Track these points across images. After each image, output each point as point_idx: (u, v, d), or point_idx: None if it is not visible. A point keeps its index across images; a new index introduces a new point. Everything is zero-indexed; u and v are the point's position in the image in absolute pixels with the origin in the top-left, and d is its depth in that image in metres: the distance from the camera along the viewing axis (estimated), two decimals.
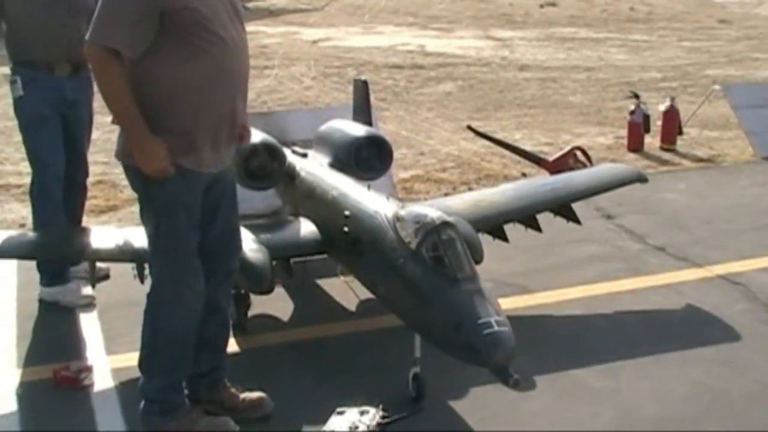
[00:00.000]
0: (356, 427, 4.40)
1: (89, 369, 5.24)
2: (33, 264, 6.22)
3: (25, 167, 9.58)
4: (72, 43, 6.03)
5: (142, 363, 4.60)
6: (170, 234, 4.35)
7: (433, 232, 4.50)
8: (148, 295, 4.54)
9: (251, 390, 4.80)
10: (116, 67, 4.10)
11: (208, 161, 4.32)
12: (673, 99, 11.13)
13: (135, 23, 4.07)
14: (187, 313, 4.45)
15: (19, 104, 6.05)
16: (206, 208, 4.44)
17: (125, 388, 5.11)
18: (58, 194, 6.06)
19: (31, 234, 6.04)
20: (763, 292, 6.40)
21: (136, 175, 4.31)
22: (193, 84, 4.18)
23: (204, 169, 4.32)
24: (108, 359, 5.47)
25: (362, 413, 4.48)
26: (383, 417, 4.48)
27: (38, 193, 6.10)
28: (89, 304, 6.18)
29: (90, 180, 6.75)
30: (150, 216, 4.40)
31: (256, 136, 5.97)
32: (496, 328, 4.15)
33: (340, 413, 4.49)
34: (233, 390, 4.77)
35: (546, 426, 4.71)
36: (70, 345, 5.70)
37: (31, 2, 5.93)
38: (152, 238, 4.43)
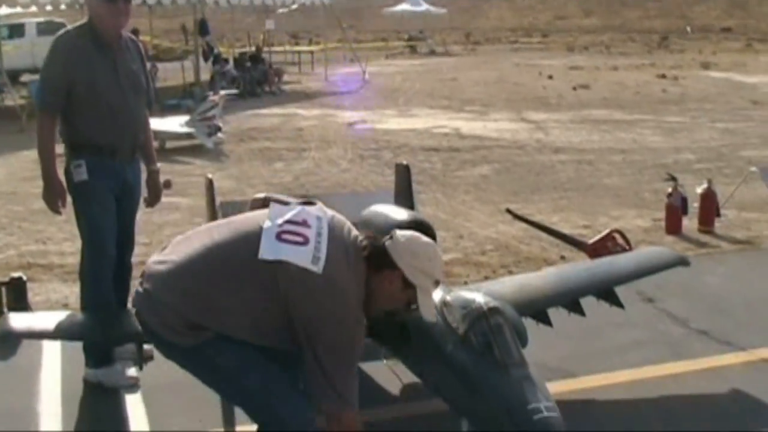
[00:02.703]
0: None
1: None
2: (78, 344, 6.27)
3: (68, 247, 9.77)
4: (136, 127, 6.20)
5: None
6: None
7: (482, 317, 4.53)
8: None
9: None
10: None
11: None
12: (710, 181, 11.13)
13: None
14: None
15: (81, 188, 6.11)
16: None
17: None
18: (111, 277, 6.14)
19: (80, 315, 6.09)
20: None
21: None
22: None
23: None
24: None
25: None
26: None
27: (91, 275, 6.17)
28: (134, 386, 6.21)
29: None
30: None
31: None
32: (545, 413, 4.15)
33: None
34: None
35: None
36: (116, 427, 5.73)
37: (100, 87, 6.00)
38: None
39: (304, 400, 4.13)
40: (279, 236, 4.04)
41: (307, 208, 4.24)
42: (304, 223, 4.11)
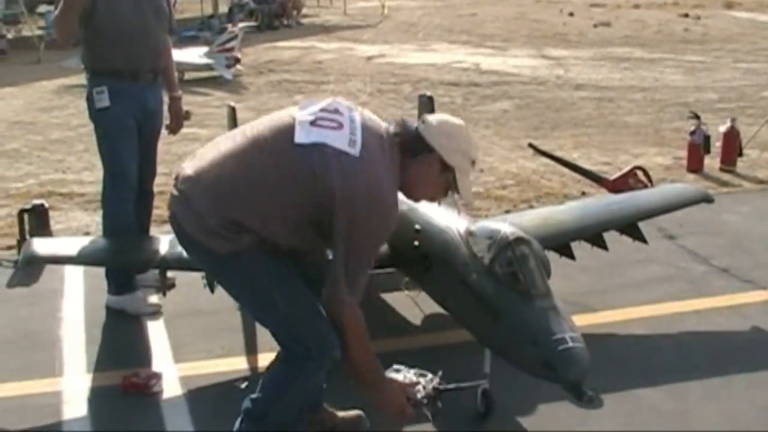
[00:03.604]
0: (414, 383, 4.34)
1: (158, 376, 5.29)
2: (100, 271, 6.29)
3: (87, 176, 9.78)
4: (157, 50, 6.18)
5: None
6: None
7: (507, 247, 4.50)
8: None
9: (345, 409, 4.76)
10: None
11: None
12: (734, 120, 11.03)
13: None
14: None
15: (103, 114, 6.07)
16: None
17: (193, 396, 5.17)
18: (132, 203, 6.13)
19: (101, 241, 6.09)
20: None
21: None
22: None
23: None
24: (176, 367, 5.52)
25: (420, 375, 4.41)
26: (440, 383, 4.41)
27: (113, 202, 6.16)
28: (156, 313, 6.24)
29: None
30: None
31: None
32: (571, 344, 4.14)
33: (397, 371, 4.39)
34: (330, 410, 4.70)
35: None
36: (139, 353, 5.76)
37: (121, 11, 5.96)
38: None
39: (330, 325, 4.07)
40: (313, 123, 3.96)
41: (339, 98, 4.18)
42: (336, 111, 4.03)
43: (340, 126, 3.96)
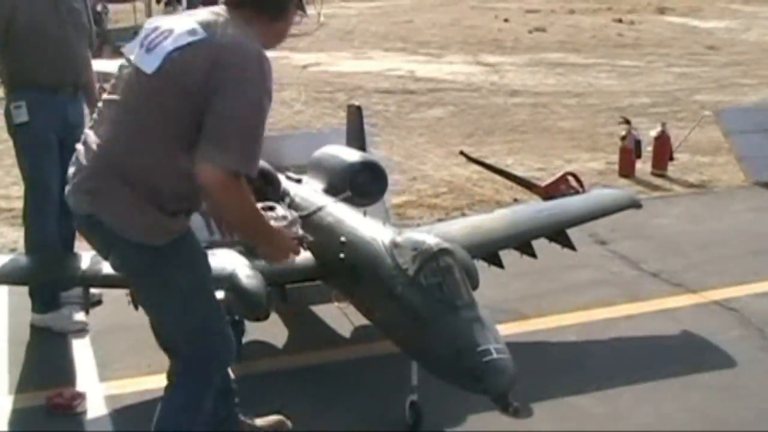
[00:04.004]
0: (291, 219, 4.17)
1: (82, 396, 5.20)
2: (24, 289, 6.17)
3: (15, 191, 9.58)
4: (77, 64, 6.08)
5: None
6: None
7: (431, 258, 4.48)
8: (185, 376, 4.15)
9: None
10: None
11: None
12: (664, 125, 11.12)
13: None
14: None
15: (22, 129, 5.96)
16: None
17: (119, 415, 5.08)
18: (55, 219, 6.01)
19: (24, 259, 5.98)
20: (757, 318, 6.41)
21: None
22: None
23: None
24: (101, 386, 5.42)
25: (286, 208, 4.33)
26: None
27: (35, 218, 6.05)
28: (81, 330, 6.13)
29: None
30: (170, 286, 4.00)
31: None
32: (495, 355, 4.12)
33: (271, 208, 4.19)
34: (249, 421, 4.67)
35: None
36: (63, 371, 5.65)
37: (41, 24, 5.86)
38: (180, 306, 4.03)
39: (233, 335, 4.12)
40: (149, 50, 3.76)
41: (154, 19, 4.01)
42: (157, 28, 3.81)
43: (171, 31, 3.76)
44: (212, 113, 3.62)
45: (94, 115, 4.10)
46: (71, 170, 3.98)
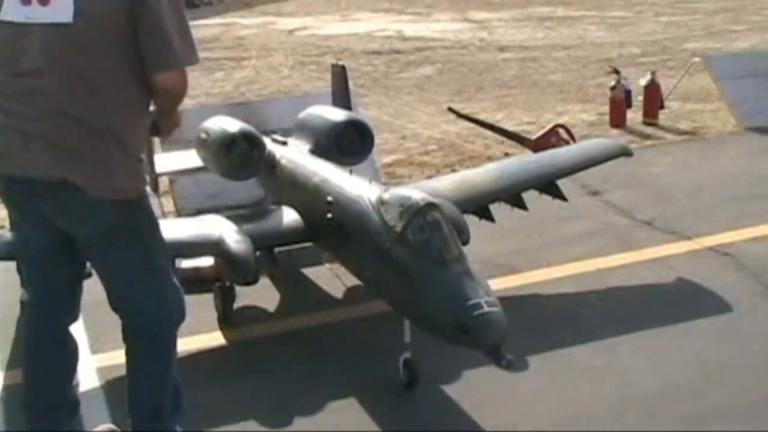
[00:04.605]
0: None
1: None
2: (12, 265, 6.09)
3: None
4: None
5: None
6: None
7: (418, 214, 4.41)
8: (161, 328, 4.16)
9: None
10: None
11: None
12: (653, 73, 11.05)
13: None
14: None
15: None
16: None
17: (110, 387, 5.02)
18: None
19: (8, 234, 5.90)
20: (752, 263, 6.36)
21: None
22: None
23: None
24: (93, 358, 5.36)
25: None
26: None
27: None
28: None
29: None
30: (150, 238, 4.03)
31: (235, 125, 5.88)
32: (486, 308, 4.06)
33: None
34: None
35: (545, 405, 4.63)
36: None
37: None
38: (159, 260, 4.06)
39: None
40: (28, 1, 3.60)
41: None
42: None
43: None
44: (144, 26, 3.59)
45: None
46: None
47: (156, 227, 4.04)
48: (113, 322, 5.69)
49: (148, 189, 4.12)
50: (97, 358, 5.36)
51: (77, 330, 5.67)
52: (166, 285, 4.05)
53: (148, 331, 4.13)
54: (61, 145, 3.66)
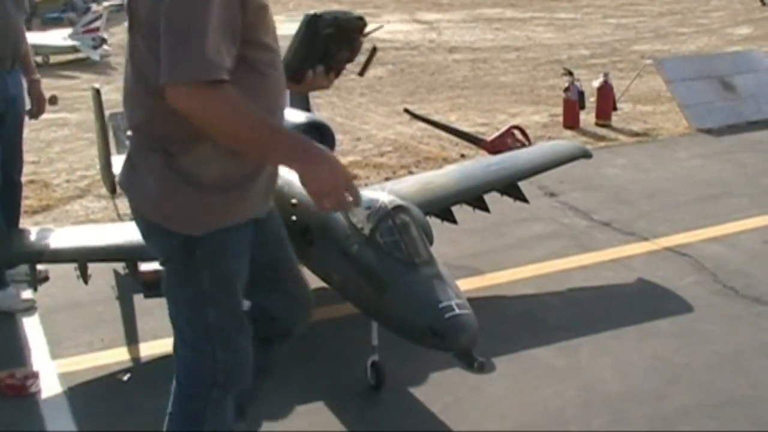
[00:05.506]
0: None
1: (35, 375, 5.04)
2: None
3: None
4: (16, 37, 5.92)
5: None
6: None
7: (387, 216, 4.40)
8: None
9: None
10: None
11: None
12: (606, 75, 11.13)
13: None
14: None
15: None
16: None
17: (74, 393, 4.94)
18: None
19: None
20: (710, 263, 6.42)
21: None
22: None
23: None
24: (54, 364, 5.27)
25: None
26: None
27: None
28: (30, 308, 5.97)
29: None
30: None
31: None
32: (458, 311, 4.06)
33: None
34: None
35: (511, 407, 4.64)
36: (14, 352, 5.48)
37: None
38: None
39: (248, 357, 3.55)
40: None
41: None
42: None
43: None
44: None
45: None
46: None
47: (221, 278, 3.39)
48: (73, 327, 5.68)
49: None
50: (58, 364, 5.27)
51: (36, 337, 5.63)
52: (216, 343, 3.42)
53: (179, 380, 3.53)
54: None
